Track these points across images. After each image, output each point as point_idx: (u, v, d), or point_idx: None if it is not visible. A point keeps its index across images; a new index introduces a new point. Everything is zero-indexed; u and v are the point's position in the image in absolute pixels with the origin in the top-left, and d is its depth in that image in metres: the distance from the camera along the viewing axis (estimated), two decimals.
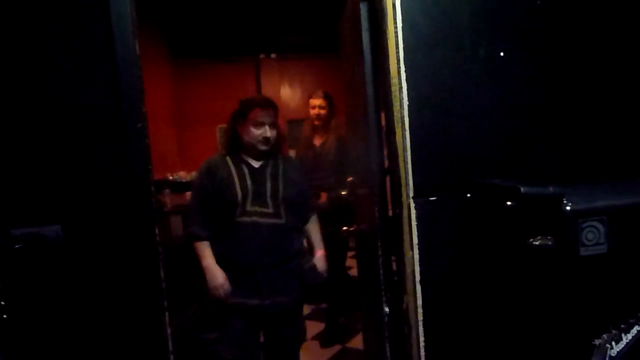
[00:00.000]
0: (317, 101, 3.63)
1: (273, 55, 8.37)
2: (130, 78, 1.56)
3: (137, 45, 1.58)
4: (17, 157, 1.47)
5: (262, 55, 8.30)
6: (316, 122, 3.64)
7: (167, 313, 1.60)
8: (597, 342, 1.19)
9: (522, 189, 1.39)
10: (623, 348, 1.16)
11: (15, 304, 1.18)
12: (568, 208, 1.37)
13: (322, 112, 3.62)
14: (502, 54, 1.80)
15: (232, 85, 8.46)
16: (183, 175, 5.29)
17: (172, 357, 1.60)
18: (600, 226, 1.37)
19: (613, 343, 1.16)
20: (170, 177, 5.08)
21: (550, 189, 1.39)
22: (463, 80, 1.77)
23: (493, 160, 1.79)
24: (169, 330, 1.60)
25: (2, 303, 1.15)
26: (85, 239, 1.51)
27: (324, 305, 4.20)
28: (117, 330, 1.54)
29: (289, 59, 8.51)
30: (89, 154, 1.53)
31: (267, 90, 8.41)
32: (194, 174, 5.83)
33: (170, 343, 1.59)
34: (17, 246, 1.31)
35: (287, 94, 8.78)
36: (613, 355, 1.15)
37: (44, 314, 1.39)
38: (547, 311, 1.39)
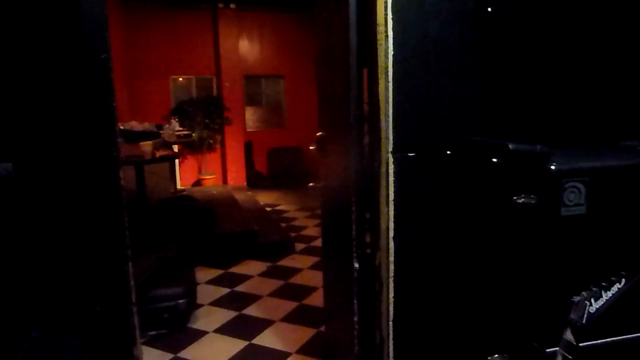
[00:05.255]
0: None
1: (232, 6, 7.99)
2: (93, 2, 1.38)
3: None
4: None
5: (220, 5, 7.90)
6: None
7: (130, 263, 1.49)
8: (576, 299, 1.20)
9: (510, 146, 1.36)
10: (602, 305, 1.18)
11: None
12: (553, 167, 1.36)
13: None
14: (489, 9, 1.75)
15: (187, 35, 8.06)
16: (135, 125, 5.01)
17: (134, 308, 1.50)
18: (582, 187, 1.37)
19: (592, 300, 1.17)
20: (122, 127, 4.80)
21: (538, 147, 1.37)
22: (451, 34, 1.70)
23: (475, 119, 1.75)
24: (132, 282, 1.49)
25: None
26: (41, 179, 1.35)
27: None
28: (75, 277, 1.42)
29: (249, 10, 8.16)
30: (46, 86, 1.36)
31: (225, 42, 8.07)
32: (146, 124, 5.56)
33: (133, 295, 1.49)
34: None
35: (246, 47, 8.46)
36: (592, 311, 1.17)
37: None
38: (527, 268, 1.40)
